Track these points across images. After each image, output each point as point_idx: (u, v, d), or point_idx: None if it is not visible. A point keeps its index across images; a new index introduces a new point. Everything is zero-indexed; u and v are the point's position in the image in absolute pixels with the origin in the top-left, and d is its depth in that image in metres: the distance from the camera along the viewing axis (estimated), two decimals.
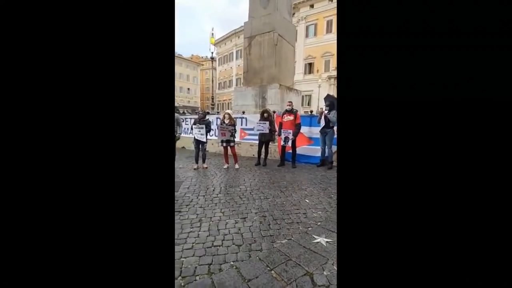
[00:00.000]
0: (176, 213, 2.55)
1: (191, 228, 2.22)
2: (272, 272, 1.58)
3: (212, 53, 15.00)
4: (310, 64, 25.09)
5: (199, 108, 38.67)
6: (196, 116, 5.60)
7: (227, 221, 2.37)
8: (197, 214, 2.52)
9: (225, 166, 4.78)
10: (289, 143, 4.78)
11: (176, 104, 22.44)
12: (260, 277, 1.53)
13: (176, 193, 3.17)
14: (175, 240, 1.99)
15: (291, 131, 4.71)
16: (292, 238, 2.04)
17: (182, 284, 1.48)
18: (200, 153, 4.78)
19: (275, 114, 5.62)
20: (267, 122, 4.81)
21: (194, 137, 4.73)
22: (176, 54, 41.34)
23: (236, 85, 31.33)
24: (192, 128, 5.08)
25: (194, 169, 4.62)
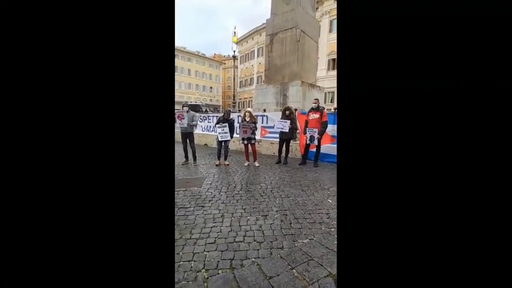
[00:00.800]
0: (199, 208, 2.64)
1: (213, 223, 2.28)
2: (294, 271, 1.57)
3: (234, 51, 15.16)
4: (334, 60, 24.26)
5: (221, 106, 39.38)
6: (221, 114, 5.67)
7: (248, 217, 2.39)
8: (219, 210, 2.58)
9: (246, 164, 4.83)
10: (315, 142, 4.67)
11: (199, 102, 23.09)
12: (281, 275, 1.53)
13: (199, 189, 3.28)
14: (199, 234, 2.07)
15: (317, 129, 4.59)
16: (314, 238, 2.01)
17: (206, 276, 1.53)
18: (222, 150, 4.88)
19: (296, 112, 5.52)
20: (288, 121, 4.74)
21: (217, 135, 4.82)
22: (199, 54, 42.45)
23: (257, 83, 31.37)
24: (215, 127, 5.19)
25: (216, 165, 4.73)
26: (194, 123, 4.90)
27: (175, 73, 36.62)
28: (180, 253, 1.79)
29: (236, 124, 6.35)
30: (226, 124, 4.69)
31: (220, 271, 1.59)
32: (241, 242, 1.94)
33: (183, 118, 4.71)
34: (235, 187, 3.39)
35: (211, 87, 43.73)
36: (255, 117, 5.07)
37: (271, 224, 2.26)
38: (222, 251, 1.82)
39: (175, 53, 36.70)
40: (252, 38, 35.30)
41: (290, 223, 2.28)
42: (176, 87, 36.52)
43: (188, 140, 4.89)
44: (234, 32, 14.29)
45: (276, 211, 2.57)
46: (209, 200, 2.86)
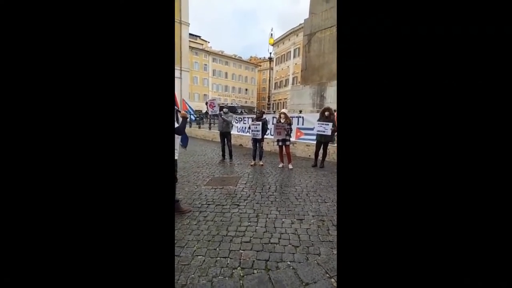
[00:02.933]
0: (235, 206, 2.70)
1: (248, 222, 2.31)
2: (332, 280, 1.49)
3: (270, 53, 15.23)
4: None
5: (255, 108, 39.93)
6: (254, 116, 5.81)
7: (283, 220, 2.36)
8: (254, 210, 2.60)
9: (280, 165, 4.79)
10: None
11: (235, 104, 23.78)
12: (318, 282, 1.47)
13: (235, 187, 3.36)
14: (235, 232, 2.11)
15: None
16: None
17: (242, 274, 1.55)
18: (257, 151, 4.93)
19: (335, 113, 5.28)
20: (330, 123, 4.54)
21: (252, 136, 4.90)
22: (236, 57, 43.75)
23: (293, 84, 30.96)
24: (249, 127, 5.28)
25: (251, 165, 4.79)
26: (230, 121, 5.10)
27: (213, 77, 38.33)
28: (217, 249, 1.85)
29: (270, 126, 6.36)
30: (260, 123, 4.74)
31: (255, 271, 1.59)
32: (276, 244, 1.92)
33: (214, 106, 5.05)
34: (269, 188, 3.38)
35: (246, 89, 44.67)
36: (291, 118, 5.00)
37: (307, 229, 2.19)
38: (257, 251, 1.82)
39: (214, 57, 38.48)
40: (289, 39, 35.04)
41: (328, 230, 2.17)
42: (214, 89, 38.24)
43: (226, 140, 5.07)
44: (271, 34, 14.36)
45: (313, 216, 2.48)
46: (244, 200, 2.91)
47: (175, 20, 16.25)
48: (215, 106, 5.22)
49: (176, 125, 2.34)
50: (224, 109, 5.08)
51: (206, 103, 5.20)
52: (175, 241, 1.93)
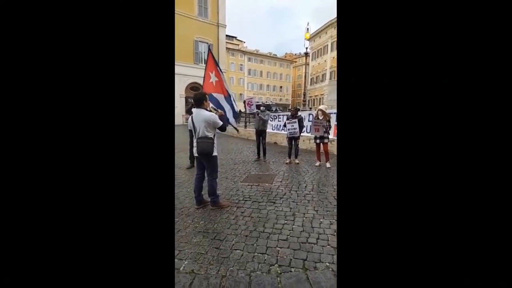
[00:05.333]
0: (271, 203, 2.71)
1: (285, 220, 2.29)
2: None
3: (306, 48, 14.80)
4: None
5: (290, 105, 39.31)
6: (288, 113, 5.74)
7: (321, 220, 2.28)
8: (291, 208, 2.57)
9: (317, 164, 4.63)
10: None
11: (269, 102, 23.80)
12: None
13: (270, 185, 3.37)
14: (272, 229, 2.12)
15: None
16: None
17: (279, 271, 1.56)
18: (293, 149, 4.86)
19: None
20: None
21: (287, 133, 4.85)
22: (271, 55, 43.63)
23: (330, 78, 29.58)
24: (285, 125, 5.22)
25: (286, 163, 4.74)
26: (267, 119, 5.13)
27: (248, 76, 38.93)
28: (255, 244, 1.88)
29: (306, 123, 6.19)
30: (296, 120, 4.65)
31: (292, 269, 1.58)
32: (314, 244, 1.87)
33: (252, 105, 5.12)
34: (305, 187, 3.31)
35: (281, 87, 44.29)
36: (329, 114, 4.79)
37: None
38: (294, 249, 1.80)
39: (249, 57, 39.03)
40: (326, 33, 33.48)
41: None
42: (249, 88, 38.85)
43: (261, 138, 5.12)
44: (307, 29, 13.92)
45: None
46: (280, 198, 2.90)
47: (212, 23, 16.94)
48: (252, 105, 5.32)
49: (221, 123, 2.49)
50: (261, 108, 5.12)
51: (244, 102, 5.33)
52: (215, 234, 2.03)
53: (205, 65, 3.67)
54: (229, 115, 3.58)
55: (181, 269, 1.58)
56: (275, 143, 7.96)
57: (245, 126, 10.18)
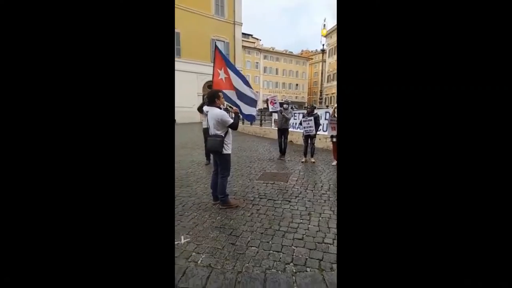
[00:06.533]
0: (286, 202, 2.70)
1: (300, 219, 2.28)
2: None
3: (323, 45, 14.47)
4: None
5: (306, 103, 38.71)
6: (304, 111, 5.66)
7: None
8: (306, 207, 2.55)
9: (334, 163, 4.54)
10: None
11: (284, 100, 23.58)
12: None
13: (285, 184, 3.37)
14: (287, 228, 2.12)
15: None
16: None
17: (294, 270, 1.56)
18: (309, 148, 4.79)
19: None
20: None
21: (303, 132, 4.79)
22: (287, 52, 43.12)
23: None
24: (301, 123, 5.17)
25: (302, 162, 4.70)
26: (290, 117, 5.11)
27: (264, 74, 38.78)
28: (270, 242, 1.90)
29: (323, 121, 6.06)
30: (312, 118, 4.57)
31: (308, 269, 1.57)
32: (330, 244, 1.85)
33: (275, 103, 5.10)
34: (322, 186, 3.26)
35: (297, 84, 43.69)
36: None
37: None
38: (310, 249, 1.79)
39: (265, 55, 38.85)
40: None
41: None
42: (265, 86, 38.72)
43: (283, 136, 5.10)
44: (324, 25, 13.59)
45: None
46: (296, 196, 2.88)
47: (229, 21, 17.04)
48: (275, 103, 5.28)
49: (231, 121, 2.46)
50: (285, 105, 5.09)
51: (267, 100, 5.31)
52: (231, 230, 2.07)
53: (213, 62, 3.69)
54: (245, 109, 3.57)
55: (199, 262, 1.64)
56: (291, 141, 7.90)
57: (261, 124, 10.19)
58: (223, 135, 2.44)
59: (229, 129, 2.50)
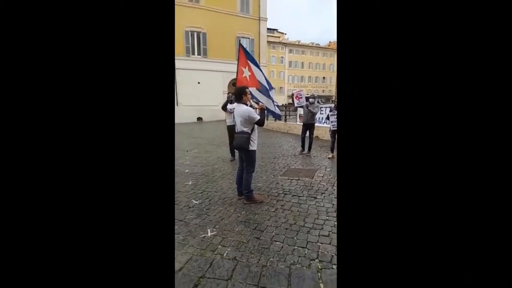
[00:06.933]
0: (312, 198, 2.65)
1: (326, 216, 2.22)
2: None
3: None
4: None
5: (334, 97, 37.18)
6: (332, 105, 5.45)
7: None
8: (333, 204, 2.47)
9: None
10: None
11: (310, 94, 22.96)
12: None
13: (311, 180, 3.29)
14: (312, 224, 2.08)
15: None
16: None
17: (320, 267, 1.53)
18: (336, 143, 4.62)
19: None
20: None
21: (330, 126, 4.62)
22: (313, 44, 41.71)
23: None
24: (328, 118, 4.99)
25: (329, 158, 4.55)
26: (316, 112, 5.00)
27: (289, 68, 38.10)
28: (295, 238, 1.88)
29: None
30: None
31: (334, 266, 1.53)
32: None
33: (301, 97, 5.04)
34: None
35: (324, 77, 42.14)
36: None
37: None
38: (336, 246, 1.74)
39: (290, 48, 38.07)
40: None
41: None
42: (289, 81, 38.05)
43: (308, 131, 5.00)
44: None
45: None
46: (322, 193, 2.81)
47: (254, 17, 17.01)
48: (301, 98, 5.24)
49: (258, 117, 2.47)
50: (310, 99, 4.97)
51: (292, 95, 5.27)
52: (256, 225, 2.10)
53: (237, 60, 3.72)
54: (270, 106, 3.57)
55: (225, 255, 1.69)
56: (317, 136, 7.67)
57: (285, 120, 10.06)
58: (250, 132, 2.46)
59: (255, 126, 2.52)
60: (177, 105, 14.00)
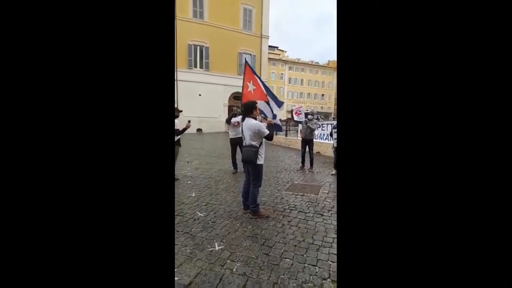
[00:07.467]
0: (318, 215, 2.63)
1: (335, 234, 2.20)
2: None
3: None
4: None
5: (332, 114, 37.82)
6: (334, 122, 5.55)
7: None
8: None
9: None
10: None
11: (309, 110, 23.36)
12: None
13: (316, 196, 3.28)
14: (321, 242, 2.06)
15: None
16: None
17: (332, 286, 1.49)
18: None
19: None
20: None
21: (333, 143, 4.67)
22: (313, 63, 43.03)
23: None
24: (331, 134, 5.06)
25: (332, 175, 4.55)
26: (315, 128, 5.08)
27: (288, 84, 38.98)
28: (304, 255, 1.85)
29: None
30: None
31: None
32: None
33: (300, 114, 5.15)
34: None
35: (322, 95, 43.07)
36: None
37: None
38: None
39: (290, 66, 39.19)
40: None
41: None
42: (289, 97, 38.79)
43: (308, 147, 5.05)
44: None
45: None
46: (328, 210, 2.79)
47: (256, 35, 17.62)
48: (301, 113, 5.37)
49: (267, 132, 2.49)
50: (309, 116, 5.07)
51: (291, 111, 5.40)
52: (263, 240, 2.06)
53: (243, 76, 3.84)
54: (276, 119, 3.63)
55: (234, 270, 1.65)
56: (318, 152, 7.72)
57: (286, 135, 10.15)
58: (258, 146, 2.48)
59: (263, 140, 2.54)
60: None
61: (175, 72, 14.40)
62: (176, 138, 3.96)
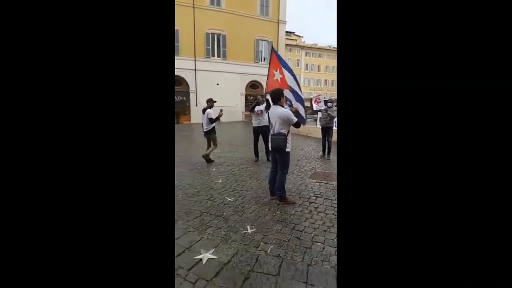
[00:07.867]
0: None
1: None
2: None
3: None
4: None
5: None
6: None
7: None
8: None
9: None
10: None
11: (328, 98, 22.67)
12: None
13: None
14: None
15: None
16: None
17: None
18: None
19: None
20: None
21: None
22: (330, 48, 41.26)
23: None
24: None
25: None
26: (335, 116, 5.00)
27: (305, 71, 37.90)
28: (335, 240, 1.90)
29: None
30: None
31: None
32: None
33: (320, 102, 5.08)
34: None
35: (333, 80, 41.46)
36: None
37: None
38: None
39: (307, 51, 37.90)
40: None
41: None
42: (305, 84, 37.82)
43: (327, 135, 4.99)
44: None
45: None
46: None
47: (273, 20, 17.12)
48: (320, 102, 5.30)
49: (296, 119, 2.54)
50: (329, 103, 4.97)
51: (311, 99, 5.32)
52: (293, 225, 2.13)
53: (268, 64, 3.79)
54: (300, 109, 3.61)
55: (268, 251, 1.74)
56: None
57: (304, 123, 10.01)
58: (286, 133, 2.51)
59: (290, 128, 2.57)
60: (196, 105, 14.34)
61: (194, 62, 14.52)
62: (211, 126, 4.25)
